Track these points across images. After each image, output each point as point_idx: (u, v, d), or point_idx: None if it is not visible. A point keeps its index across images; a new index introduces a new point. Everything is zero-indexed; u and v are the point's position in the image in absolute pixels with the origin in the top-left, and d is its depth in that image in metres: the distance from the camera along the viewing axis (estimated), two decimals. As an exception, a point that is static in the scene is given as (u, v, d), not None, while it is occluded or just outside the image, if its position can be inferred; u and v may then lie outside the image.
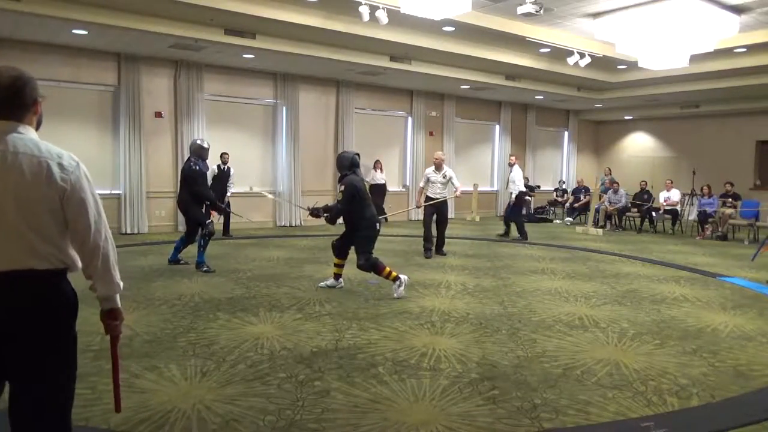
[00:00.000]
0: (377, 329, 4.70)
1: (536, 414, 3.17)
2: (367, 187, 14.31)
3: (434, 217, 8.61)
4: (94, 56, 9.93)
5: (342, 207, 5.77)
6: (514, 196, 10.69)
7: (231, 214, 9.92)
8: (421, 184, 8.86)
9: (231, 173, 9.87)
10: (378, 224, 5.86)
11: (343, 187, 5.75)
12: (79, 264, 1.95)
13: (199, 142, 7.19)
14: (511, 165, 11.03)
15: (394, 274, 5.75)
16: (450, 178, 8.55)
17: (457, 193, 8.59)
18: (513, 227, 10.86)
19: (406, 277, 5.84)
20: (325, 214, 5.97)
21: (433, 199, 8.56)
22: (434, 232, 8.63)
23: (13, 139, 1.84)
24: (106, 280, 1.96)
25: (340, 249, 6.06)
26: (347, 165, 5.85)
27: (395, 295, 5.70)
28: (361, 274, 6.97)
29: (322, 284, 6.25)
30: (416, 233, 11.36)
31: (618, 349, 4.34)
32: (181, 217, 10.69)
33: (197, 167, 6.97)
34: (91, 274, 1.95)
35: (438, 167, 8.58)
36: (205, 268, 6.95)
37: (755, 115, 14.75)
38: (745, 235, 11.42)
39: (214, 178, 9.52)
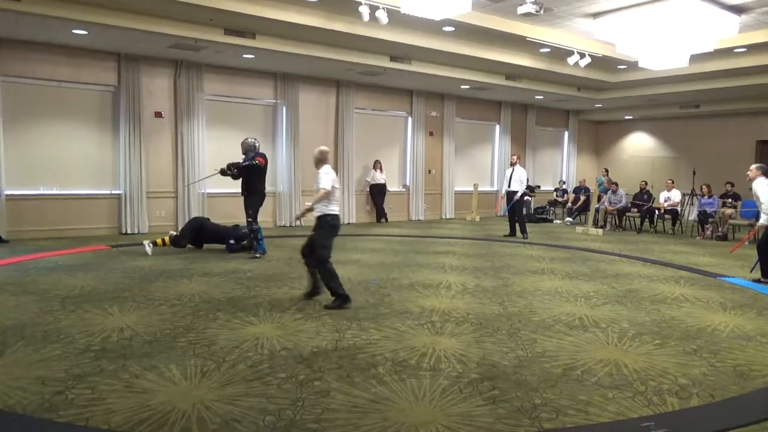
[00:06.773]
0: (377, 329, 4.70)
1: (536, 414, 3.17)
2: (368, 186, 14.39)
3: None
4: (94, 56, 9.93)
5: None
6: (519, 195, 10.88)
7: None
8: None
9: None
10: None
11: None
12: None
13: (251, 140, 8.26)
14: (513, 164, 11.13)
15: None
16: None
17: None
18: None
19: (151, 247, 8.16)
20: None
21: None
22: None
23: None
24: None
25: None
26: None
27: (144, 243, 8.21)
28: (361, 274, 6.99)
29: None
30: (416, 233, 11.38)
31: (618, 349, 4.34)
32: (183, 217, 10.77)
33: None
34: None
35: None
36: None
37: (755, 115, 14.74)
38: (746, 235, 11.41)
39: None
